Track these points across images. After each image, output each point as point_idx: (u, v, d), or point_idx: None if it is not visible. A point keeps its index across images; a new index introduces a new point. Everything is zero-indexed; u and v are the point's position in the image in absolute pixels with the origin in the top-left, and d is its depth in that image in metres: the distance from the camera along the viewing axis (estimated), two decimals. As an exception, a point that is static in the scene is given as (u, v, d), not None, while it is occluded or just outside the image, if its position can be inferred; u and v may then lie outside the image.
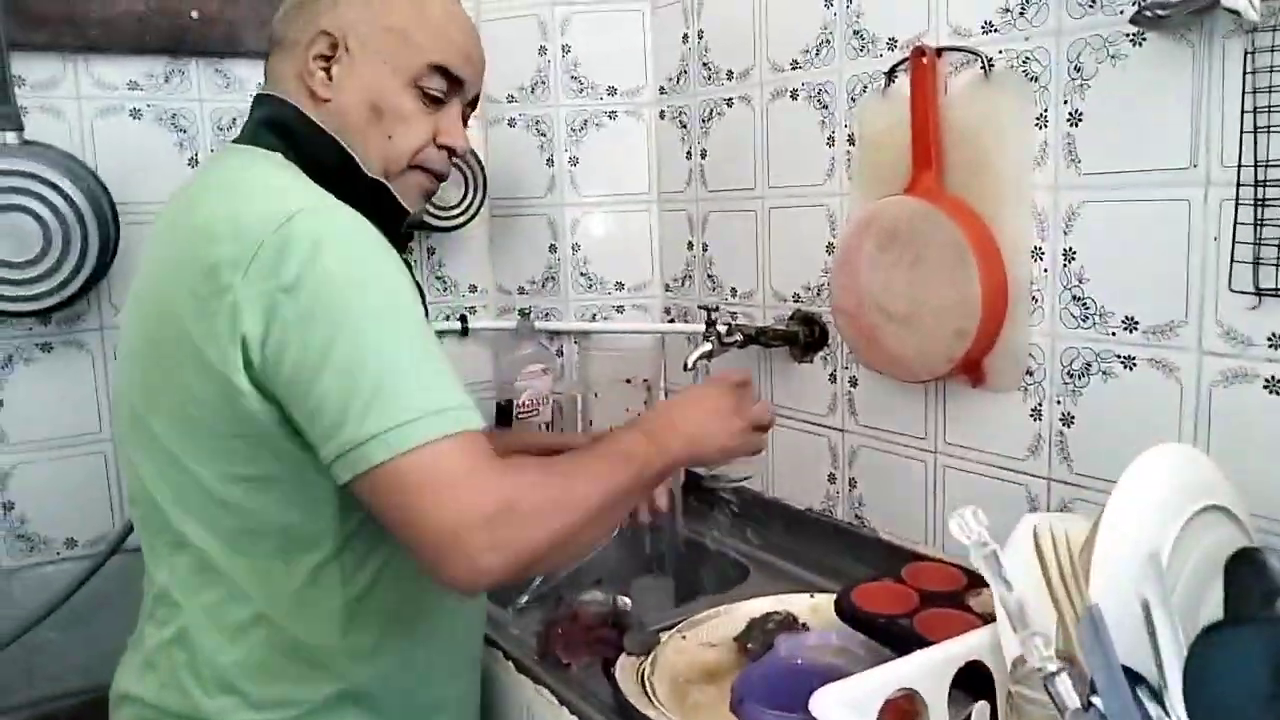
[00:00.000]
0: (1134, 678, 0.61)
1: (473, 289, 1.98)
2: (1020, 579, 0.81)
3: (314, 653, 0.97)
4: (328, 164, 1.00)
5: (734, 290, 1.73)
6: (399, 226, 1.06)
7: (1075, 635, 0.65)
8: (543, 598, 1.53)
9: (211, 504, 0.94)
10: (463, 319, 1.95)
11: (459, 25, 1.07)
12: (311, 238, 0.86)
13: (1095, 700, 0.62)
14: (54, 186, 1.45)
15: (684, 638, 1.25)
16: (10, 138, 1.45)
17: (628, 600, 1.31)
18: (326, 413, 0.84)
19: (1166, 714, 0.60)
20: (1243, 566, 0.69)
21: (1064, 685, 0.65)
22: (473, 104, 1.11)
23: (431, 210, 1.77)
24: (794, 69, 1.54)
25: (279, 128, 1.00)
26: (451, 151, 1.07)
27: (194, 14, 1.61)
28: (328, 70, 1.01)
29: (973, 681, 0.87)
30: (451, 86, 1.05)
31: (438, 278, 1.95)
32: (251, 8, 1.65)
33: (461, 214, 1.82)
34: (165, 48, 1.61)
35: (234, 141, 1.04)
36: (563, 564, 1.24)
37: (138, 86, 1.61)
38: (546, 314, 1.95)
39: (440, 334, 1.92)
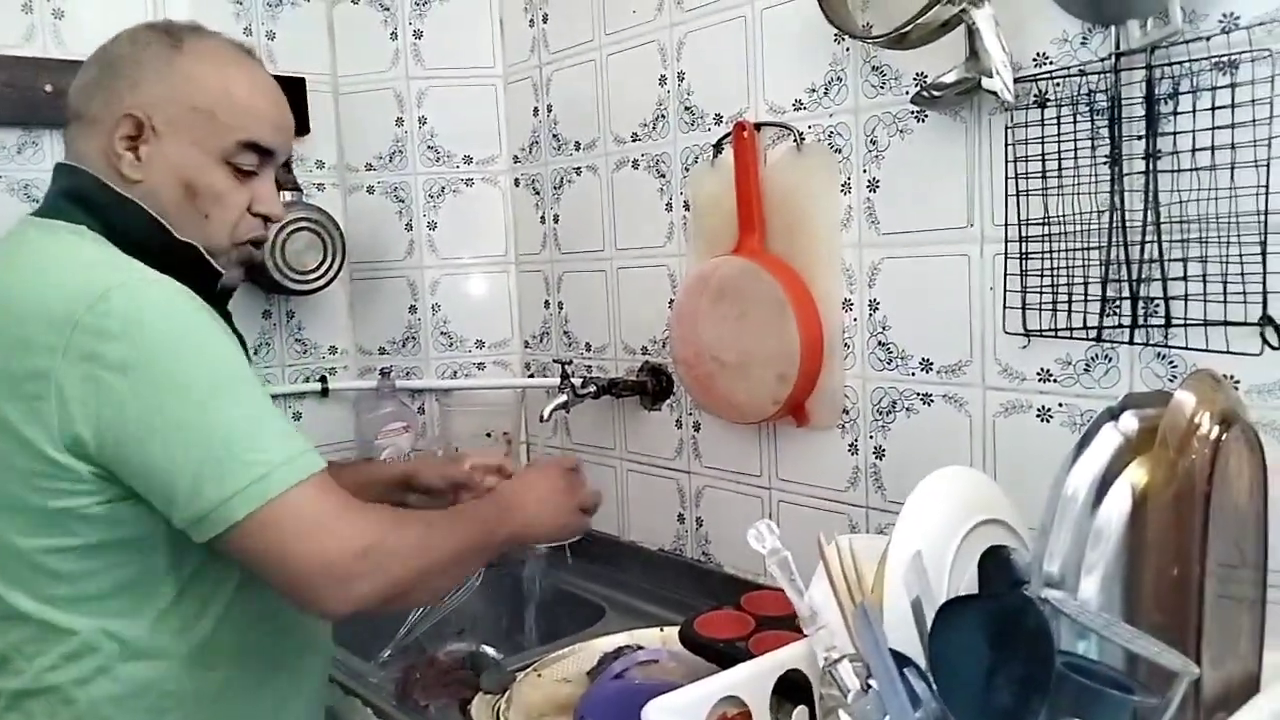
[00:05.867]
0: (903, 660, 0.72)
1: (333, 350, 2.02)
2: (828, 592, 0.91)
3: (163, 697, 0.98)
4: (136, 232, 0.99)
5: (588, 345, 1.83)
6: (215, 286, 1.05)
7: (852, 627, 0.75)
8: (405, 649, 1.57)
9: (41, 576, 0.94)
10: (323, 380, 1.98)
11: (266, 97, 1.06)
12: (131, 314, 0.88)
13: (872, 683, 0.72)
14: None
15: (539, 675, 1.30)
16: None
17: (488, 647, 1.36)
18: (179, 482, 0.88)
19: (931, 689, 0.71)
20: (992, 561, 0.81)
21: (845, 670, 0.75)
22: (285, 166, 1.14)
23: (290, 274, 1.81)
24: (634, 141, 1.66)
25: (82, 200, 0.99)
26: (267, 218, 1.08)
27: (48, 87, 1.62)
28: (134, 151, 1.00)
29: (799, 693, 0.97)
30: (263, 158, 1.06)
31: (297, 340, 1.97)
32: (106, 80, 1.68)
33: (320, 277, 1.85)
34: (18, 120, 1.63)
35: (34, 214, 1.02)
36: (420, 602, 1.30)
37: (-12, 157, 1.62)
38: (408, 373, 2.00)
39: (300, 395, 1.96)
